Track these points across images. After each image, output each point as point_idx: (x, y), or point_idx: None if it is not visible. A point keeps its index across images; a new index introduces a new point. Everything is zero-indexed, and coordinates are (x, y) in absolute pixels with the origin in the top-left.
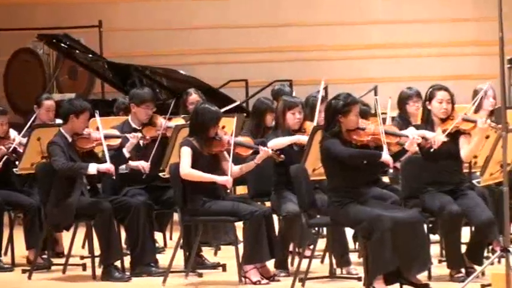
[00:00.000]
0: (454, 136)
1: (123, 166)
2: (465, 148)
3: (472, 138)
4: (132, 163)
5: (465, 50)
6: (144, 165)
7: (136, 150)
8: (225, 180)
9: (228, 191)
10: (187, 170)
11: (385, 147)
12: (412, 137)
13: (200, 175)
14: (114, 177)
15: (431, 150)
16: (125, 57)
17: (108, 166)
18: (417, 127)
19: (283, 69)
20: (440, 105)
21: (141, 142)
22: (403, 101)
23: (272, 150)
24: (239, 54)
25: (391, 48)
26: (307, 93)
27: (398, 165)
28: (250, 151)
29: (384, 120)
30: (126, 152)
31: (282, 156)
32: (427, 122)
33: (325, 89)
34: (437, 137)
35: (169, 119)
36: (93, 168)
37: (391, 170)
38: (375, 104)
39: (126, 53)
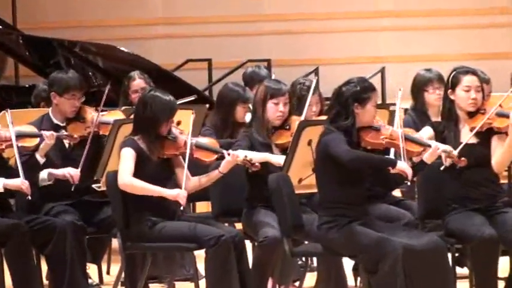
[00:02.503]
0: (486, 136)
1: (45, 176)
2: (496, 153)
3: (506, 140)
4: (55, 171)
5: (497, 19)
6: (72, 172)
7: (60, 154)
8: (176, 194)
9: (182, 208)
10: (126, 179)
11: (402, 155)
12: (435, 147)
13: (144, 186)
14: (30, 198)
15: (457, 166)
16: (47, 29)
17: (18, 183)
18: (435, 126)
19: (258, 45)
20: (467, 95)
21: (66, 143)
22: (419, 87)
23: (245, 156)
24: (200, 25)
25: (404, 18)
26: (291, 77)
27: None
28: (215, 156)
29: (393, 113)
30: (39, 156)
31: (257, 164)
32: (449, 118)
33: (315, 71)
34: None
35: (103, 112)
36: None
37: (407, 183)
38: (382, 92)
39: (48, 23)
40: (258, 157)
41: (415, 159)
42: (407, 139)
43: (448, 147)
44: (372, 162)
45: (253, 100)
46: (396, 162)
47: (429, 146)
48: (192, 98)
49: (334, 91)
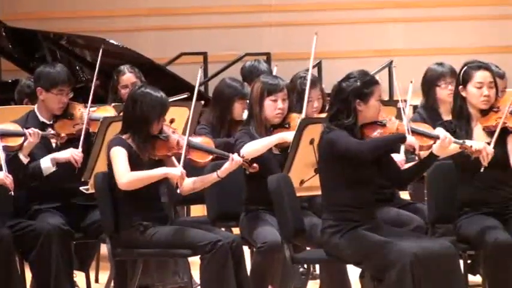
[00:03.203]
0: (501, 136)
1: (48, 163)
2: None
3: None
4: (58, 155)
5: (510, 10)
6: (77, 154)
7: (47, 154)
8: (180, 174)
9: (179, 191)
10: (128, 177)
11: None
12: (444, 137)
13: (148, 175)
14: (12, 193)
15: (482, 169)
16: (31, 20)
17: (1, 176)
18: (446, 126)
19: (258, 37)
20: (479, 91)
21: (53, 142)
22: (430, 82)
23: (242, 155)
24: (195, 16)
25: (412, 8)
26: (292, 72)
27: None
28: (210, 157)
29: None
30: (22, 156)
31: (255, 165)
32: (461, 116)
33: (318, 65)
34: (487, 148)
35: (92, 108)
36: None
37: (415, 157)
38: (394, 86)
39: (32, 14)
40: (273, 140)
41: (423, 153)
42: (416, 132)
43: (459, 140)
44: (386, 144)
45: (249, 98)
46: (405, 136)
47: (435, 138)
48: (184, 95)
49: (334, 87)
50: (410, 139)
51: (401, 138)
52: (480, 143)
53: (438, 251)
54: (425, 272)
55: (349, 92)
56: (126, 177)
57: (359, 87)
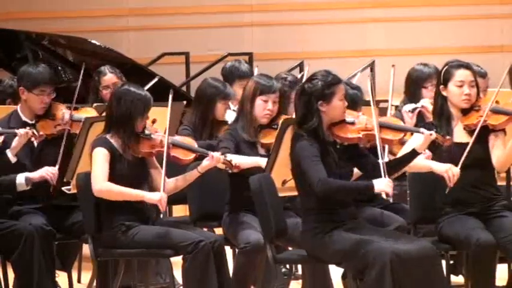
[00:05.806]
0: (482, 135)
1: (22, 181)
2: (498, 153)
3: (509, 139)
4: (32, 175)
5: (493, 10)
6: (51, 172)
7: (29, 154)
8: (159, 199)
9: (162, 215)
10: (103, 185)
11: (382, 156)
12: (429, 133)
13: (122, 191)
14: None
15: (447, 191)
16: (12, 20)
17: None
18: (426, 127)
19: (240, 38)
20: (460, 90)
21: (35, 142)
22: (417, 83)
23: (224, 156)
24: (177, 16)
25: (394, 8)
26: (274, 72)
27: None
28: (192, 156)
29: (384, 111)
30: (10, 154)
31: (238, 164)
32: (441, 115)
33: (300, 65)
34: (453, 170)
35: (76, 109)
36: None
37: (390, 200)
38: (371, 84)
39: (13, 14)
40: (248, 162)
41: (396, 147)
42: (385, 127)
43: (438, 134)
44: (346, 191)
45: (242, 95)
46: (373, 185)
47: (412, 131)
48: (154, 80)
49: (297, 89)
50: (379, 186)
51: (369, 188)
52: (445, 165)
53: (419, 250)
54: (406, 272)
55: (311, 94)
56: (101, 185)
57: (321, 89)
